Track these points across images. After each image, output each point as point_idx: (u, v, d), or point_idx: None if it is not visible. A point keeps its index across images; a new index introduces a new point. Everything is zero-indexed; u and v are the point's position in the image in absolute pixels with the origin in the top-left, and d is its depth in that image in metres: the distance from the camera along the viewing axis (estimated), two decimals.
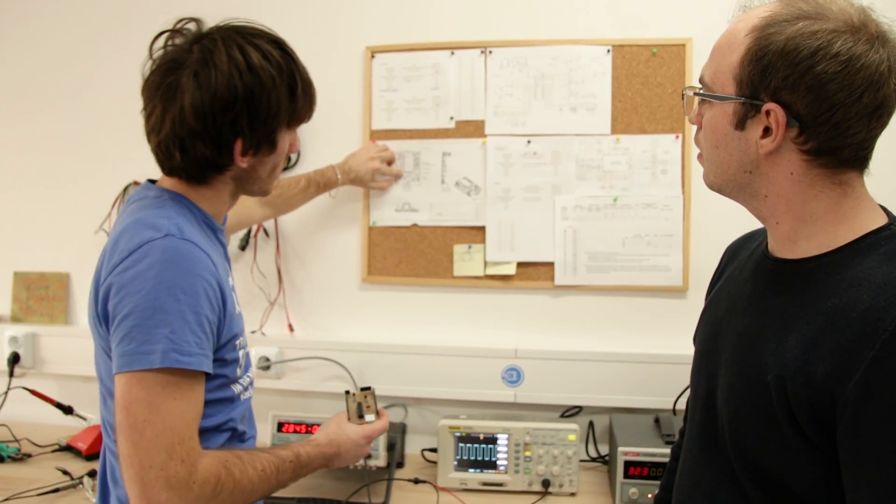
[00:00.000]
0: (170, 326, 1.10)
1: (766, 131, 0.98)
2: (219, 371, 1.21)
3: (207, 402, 1.19)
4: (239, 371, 1.29)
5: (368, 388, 1.65)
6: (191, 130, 1.19)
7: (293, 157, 2.29)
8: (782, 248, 1.05)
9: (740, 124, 1.01)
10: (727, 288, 1.20)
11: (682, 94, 1.16)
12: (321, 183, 2.11)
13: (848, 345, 0.89)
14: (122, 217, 1.24)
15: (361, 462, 1.88)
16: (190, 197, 1.26)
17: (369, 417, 1.59)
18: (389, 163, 2.22)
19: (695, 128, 1.13)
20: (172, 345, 1.09)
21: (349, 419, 1.57)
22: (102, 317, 1.16)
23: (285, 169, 2.29)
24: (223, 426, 1.26)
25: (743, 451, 1.03)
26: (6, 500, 1.82)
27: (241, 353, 1.29)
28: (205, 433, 1.20)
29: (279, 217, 2.31)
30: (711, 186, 1.11)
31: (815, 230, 1.00)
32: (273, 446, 1.35)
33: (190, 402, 1.13)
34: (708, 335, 1.18)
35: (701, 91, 1.07)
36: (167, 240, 1.14)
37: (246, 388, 1.33)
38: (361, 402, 1.61)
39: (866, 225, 0.99)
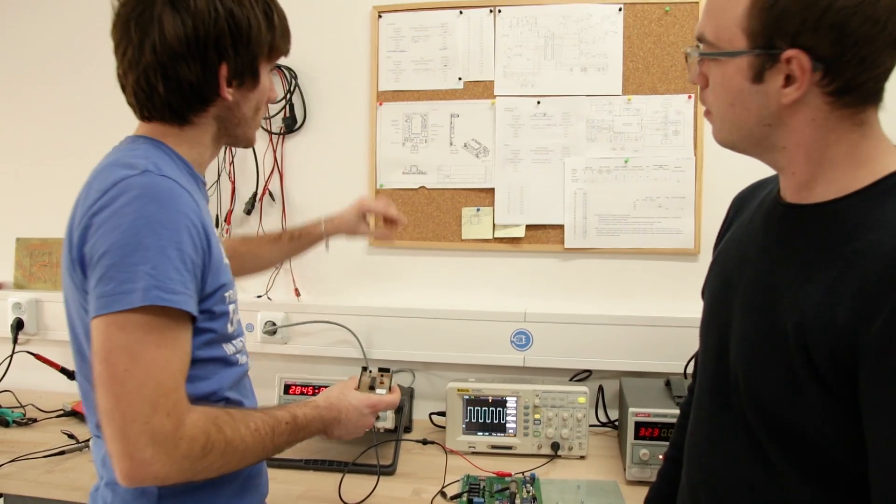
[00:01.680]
0: (150, 262, 1.01)
1: (788, 79, 0.93)
2: (206, 325, 1.13)
3: (196, 362, 1.11)
4: (230, 328, 1.19)
5: (387, 371, 1.56)
6: (173, 54, 1.12)
7: (299, 119, 2.26)
8: (797, 194, 1.01)
9: (758, 77, 0.95)
10: (736, 238, 1.16)
11: (686, 56, 1.07)
12: (296, 233, 1.78)
13: (870, 289, 0.86)
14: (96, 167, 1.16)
15: None
16: (169, 143, 1.19)
17: (380, 391, 1.49)
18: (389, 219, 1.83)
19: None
20: (155, 281, 1.01)
21: (358, 389, 1.47)
22: (78, 261, 1.07)
23: (290, 131, 2.26)
24: (214, 396, 1.17)
25: (759, 404, 1.00)
26: (12, 461, 1.81)
27: (230, 307, 1.20)
28: (194, 402, 1.09)
29: (286, 184, 2.29)
30: (724, 143, 1.06)
31: (835, 176, 0.96)
32: (268, 406, 1.24)
33: (175, 351, 1.04)
34: (718, 287, 1.15)
35: (707, 51, 1.00)
36: (145, 176, 1.06)
37: (240, 352, 1.25)
38: (376, 377, 1.53)
39: (886, 167, 0.95)
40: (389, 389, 1.51)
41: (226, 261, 1.21)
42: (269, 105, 2.18)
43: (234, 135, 1.26)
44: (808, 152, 0.97)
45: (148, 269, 1.01)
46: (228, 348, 1.20)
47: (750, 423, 1.02)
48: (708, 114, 1.06)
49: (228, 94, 1.18)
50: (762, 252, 1.06)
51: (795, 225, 1.01)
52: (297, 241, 1.78)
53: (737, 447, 1.05)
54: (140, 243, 1.01)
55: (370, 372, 1.54)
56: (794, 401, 0.95)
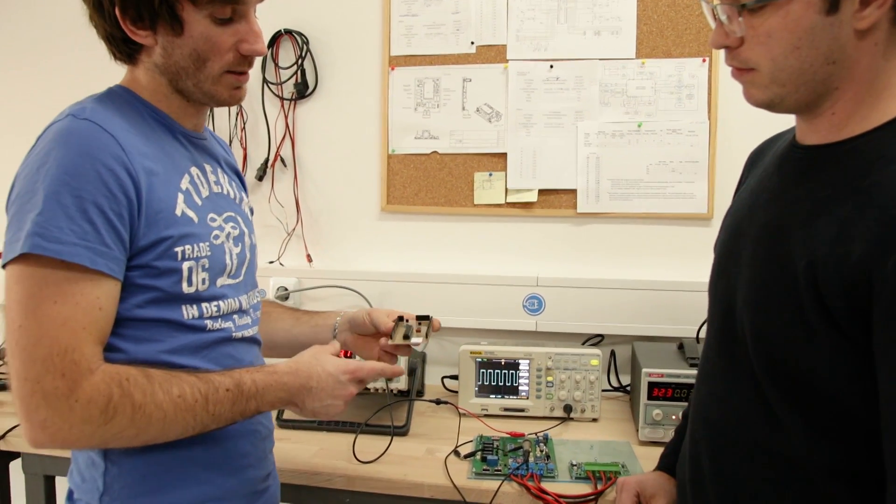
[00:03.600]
0: (38, 208, 0.96)
1: (862, 1, 0.88)
2: (147, 282, 1.06)
3: (136, 321, 1.07)
4: (186, 287, 1.10)
5: (427, 318, 1.46)
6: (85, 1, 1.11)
7: (310, 85, 2.25)
8: (825, 135, 0.97)
9: (833, 7, 0.88)
10: (749, 188, 1.13)
11: (715, 15, 0.99)
12: (319, 322, 1.53)
13: (887, 222, 0.83)
14: None
15: (382, 383, 1.86)
16: (135, 89, 1.15)
17: (416, 340, 1.37)
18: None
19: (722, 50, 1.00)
20: (38, 228, 0.95)
21: (391, 340, 1.38)
22: None
23: (301, 97, 2.26)
24: (159, 361, 1.08)
25: (766, 352, 0.98)
26: None
27: (187, 265, 1.09)
28: (132, 364, 1.05)
29: (298, 150, 2.29)
30: (769, 100, 0.98)
31: (870, 110, 0.93)
32: (207, 371, 1.11)
33: (78, 308, 0.98)
34: (728, 236, 1.13)
35: None
36: (65, 120, 1.03)
37: (217, 317, 1.16)
38: (412, 325, 1.42)
39: None
40: (426, 337, 1.41)
41: (189, 213, 1.12)
42: (280, 70, 2.23)
43: (186, 88, 1.15)
44: (859, 86, 0.93)
45: (34, 215, 0.96)
46: (188, 311, 1.11)
47: (756, 375, 1.00)
48: (745, 72, 0.98)
49: (143, 38, 1.10)
50: (774, 196, 1.03)
51: (811, 165, 0.98)
52: (315, 326, 1.53)
53: (741, 401, 1.04)
54: (34, 189, 0.98)
55: (406, 322, 1.45)
56: (804, 347, 0.92)
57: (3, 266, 1.00)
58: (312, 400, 1.21)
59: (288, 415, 1.83)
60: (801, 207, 0.95)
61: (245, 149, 2.31)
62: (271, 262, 2.30)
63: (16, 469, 1.81)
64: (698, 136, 2.07)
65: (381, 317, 1.47)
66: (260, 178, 2.30)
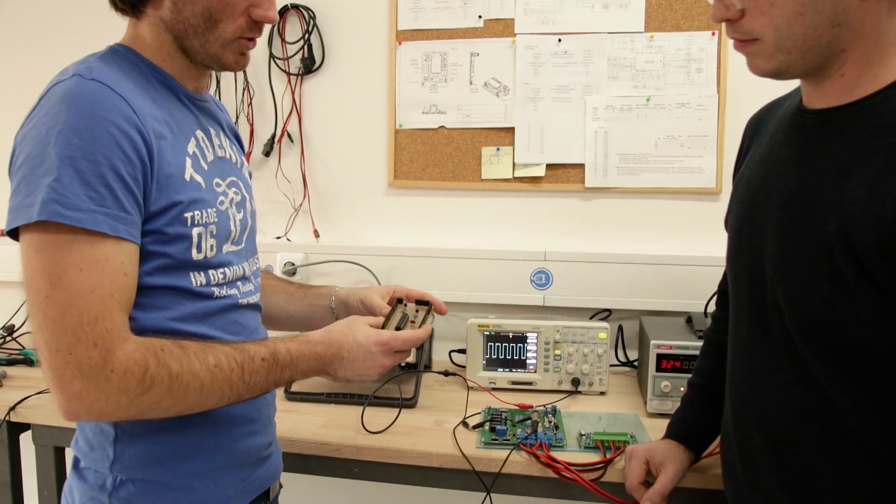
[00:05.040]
0: (53, 174, 0.92)
1: None
2: (157, 248, 1.04)
3: (146, 289, 1.04)
4: (195, 254, 1.08)
5: (426, 305, 1.42)
6: None
7: (317, 60, 2.24)
8: (836, 97, 0.97)
9: None
10: (758, 157, 1.12)
11: None
12: (314, 301, 1.53)
13: None
14: None
15: None
16: (137, 47, 1.11)
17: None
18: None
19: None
20: (55, 194, 0.92)
21: (382, 327, 1.32)
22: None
23: (308, 72, 2.25)
24: (168, 329, 1.06)
25: (804, 320, 0.97)
26: (39, 393, 1.83)
27: (196, 231, 1.08)
28: (144, 333, 1.02)
29: (304, 125, 2.29)
30: (774, 69, 0.97)
31: (880, 69, 0.92)
32: (242, 341, 1.12)
33: (104, 275, 0.95)
34: (744, 210, 1.12)
35: None
36: (71, 80, 0.98)
37: (224, 284, 1.15)
38: (407, 315, 1.37)
39: None
40: (423, 325, 1.36)
41: (197, 178, 1.10)
42: (287, 45, 2.22)
43: (192, 48, 1.11)
44: (866, 46, 0.92)
45: (50, 181, 0.92)
46: (196, 278, 1.10)
47: (795, 346, 0.99)
48: (748, 44, 0.98)
49: None
50: (790, 163, 1.02)
51: (826, 128, 0.98)
52: (313, 304, 1.53)
53: (782, 375, 1.02)
54: (47, 154, 0.94)
55: (404, 306, 1.41)
56: (844, 311, 0.92)
57: (8, 231, 0.97)
58: (345, 370, 1.22)
59: (296, 387, 1.83)
60: (825, 171, 0.95)
61: (252, 124, 2.31)
62: (278, 238, 2.30)
63: (26, 441, 1.82)
64: (707, 110, 2.06)
65: (376, 300, 1.45)
66: (267, 153, 2.29)
